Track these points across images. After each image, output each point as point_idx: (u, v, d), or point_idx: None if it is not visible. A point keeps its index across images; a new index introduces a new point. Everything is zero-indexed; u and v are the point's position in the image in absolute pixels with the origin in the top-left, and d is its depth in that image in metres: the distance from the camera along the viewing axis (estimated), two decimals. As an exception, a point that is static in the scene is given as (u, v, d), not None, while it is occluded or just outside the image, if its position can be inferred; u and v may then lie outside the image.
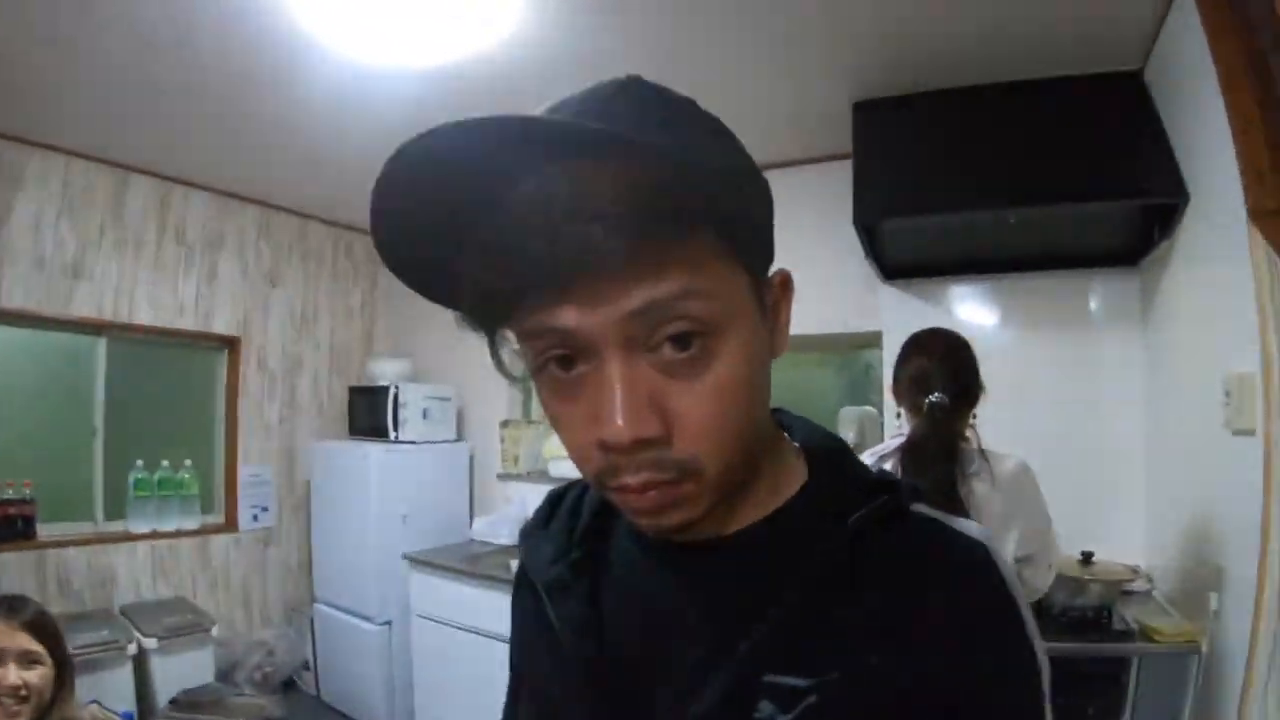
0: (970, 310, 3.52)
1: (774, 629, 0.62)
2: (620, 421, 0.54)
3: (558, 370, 0.59)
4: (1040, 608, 2.65)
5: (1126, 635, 2.51)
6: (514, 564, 3.19)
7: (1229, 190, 2.17)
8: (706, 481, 0.59)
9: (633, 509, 0.61)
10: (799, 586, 0.62)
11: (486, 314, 0.60)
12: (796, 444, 0.74)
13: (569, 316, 0.54)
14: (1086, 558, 2.72)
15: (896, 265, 3.51)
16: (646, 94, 0.61)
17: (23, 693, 1.74)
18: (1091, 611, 2.60)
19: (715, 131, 0.63)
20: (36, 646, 1.79)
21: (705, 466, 0.58)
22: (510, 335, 0.62)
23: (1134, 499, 3.13)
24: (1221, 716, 2.23)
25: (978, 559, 0.65)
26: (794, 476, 0.71)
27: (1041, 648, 0.63)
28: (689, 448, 0.57)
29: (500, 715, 0.91)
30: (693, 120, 0.62)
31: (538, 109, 0.57)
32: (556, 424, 0.63)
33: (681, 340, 0.56)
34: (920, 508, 0.68)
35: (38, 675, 1.78)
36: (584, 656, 0.70)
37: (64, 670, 1.85)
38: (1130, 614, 2.63)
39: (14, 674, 1.74)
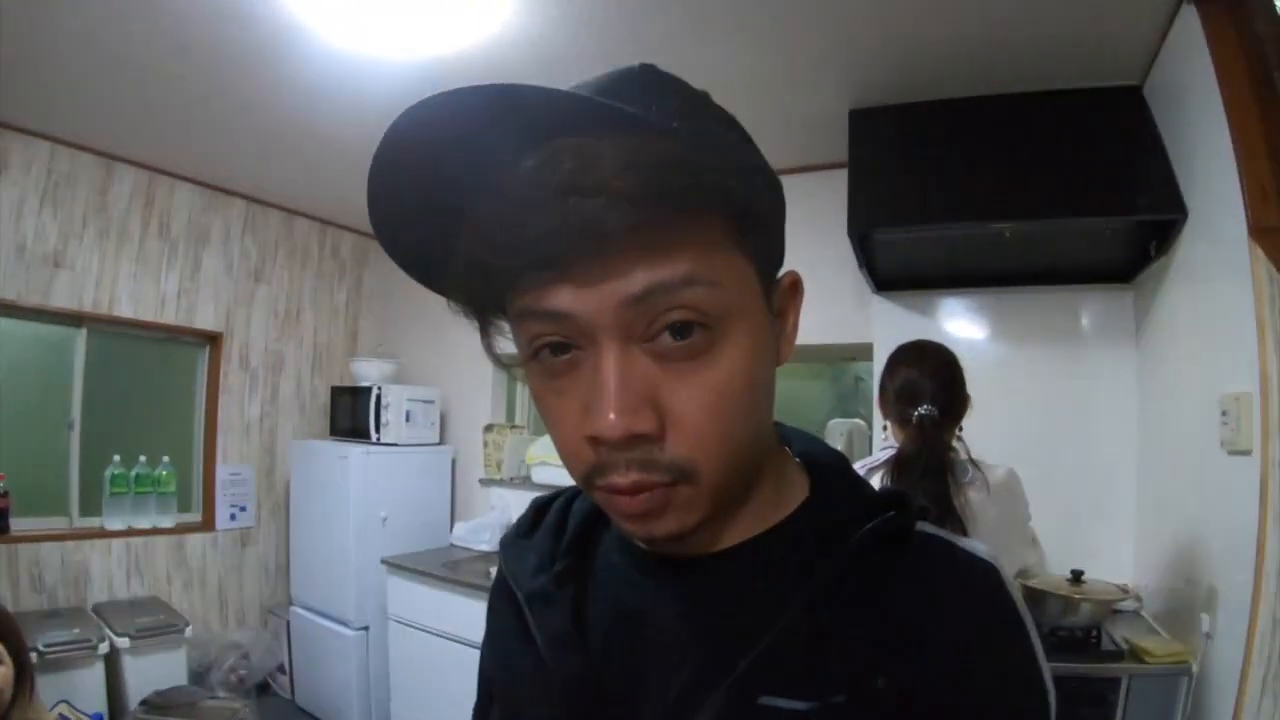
0: (963, 324, 3.51)
1: (773, 648, 0.58)
2: (612, 415, 0.52)
3: (550, 358, 0.56)
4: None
5: (1116, 655, 2.49)
6: (494, 571, 3.16)
7: (1228, 207, 2.17)
8: (701, 488, 0.56)
9: (621, 513, 0.58)
10: (800, 604, 0.59)
11: (480, 295, 0.58)
12: (796, 457, 0.72)
13: (565, 297, 0.52)
14: (1076, 576, 2.69)
15: (889, 277, 3.49)
16: (661, 81, 0.60)
17: None
18: (1081, 631, 2.59)
19: (729, 124, 0.62)
20: None
21: (699, 471, 0.55)
22: (502, 323, 0.59)
23: (1124, 517, 3.11)
24: (1212, 739, 2.22)
25: (987, 581, 0.62)
26: (795, 490, 0.68)
27: (1049, 672, 0.61)
28: (683, 448, 0.54)
29: None
30: (707, 111, 0.61)
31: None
32: (546, 417, 0.60)
33: (681, 330, 0.53)
34: (926, 526, 0.66)
35: None
36: (566, 673, 0.67)
37: (24, 669, 1.82)
38: (1119, 633, 2.62)
39: None
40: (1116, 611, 2.80)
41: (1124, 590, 2.74)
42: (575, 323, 0.53)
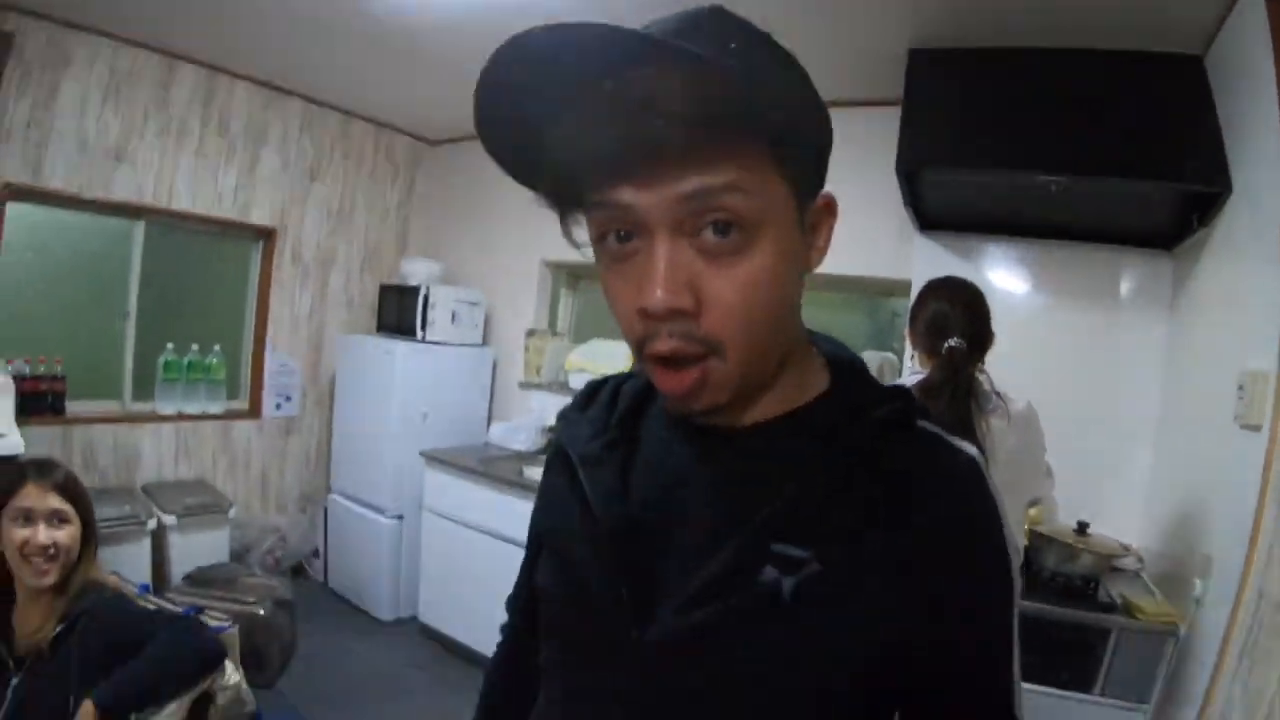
0: (1002, 271, 3.49)
1: (784, 505, 0.72)
2: (659, 292, 0.65)
3: (615, 243, 0.69)
4: (1030, 570, 2.76)
5: (1110, 608, 2.57)
6: (526, 470, 3.29)
7: (1272, 188, 2.18)
8: (729, 363, 0.69)
9: (664, 389, 0.72)
10: (811, 472, 0.73)
11: (562, 190, 0.71)
12: (822, 357, 0.85)
13: (628, 195, 0.65)
14: (1082, 528, 2.78)
15: (934, 217, 3.48)
16: (727, 21, 0.69)
17: (51, 551, 1.82)
18: (1079, 580, 2.68)
19: (786, 64, 0.71)
20: (66, 506, 1.88)
21: (727, 346, 0.68)
22: (579, 215, 0.72)
23: (1137, 479, 3.14)
24: (1189, 699, 2.30)
25: (970, 472, 0.76)
26: (817, 382, 0.82)
27: (1016, 556, 0.76)
28: (715, 325, 0.67)
29: (513, 589, 1.08)
30: (765, 50, 0.70)
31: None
32: (608, 293, 0.73)
33: (722, 229, 0.65)
34: (925, 424, 0.79)
35: (66, 534, 1.86)
36: (611, 522, 0.80)
37: (90, 531, 1.94)
38: (1116, 589, 2.69)
39: (44, 533, 1.82)
40: (1118, 569, 2.87)
41: (1126, 548, 2.81)
42: (635, 215, 0.65)
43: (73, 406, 3.98)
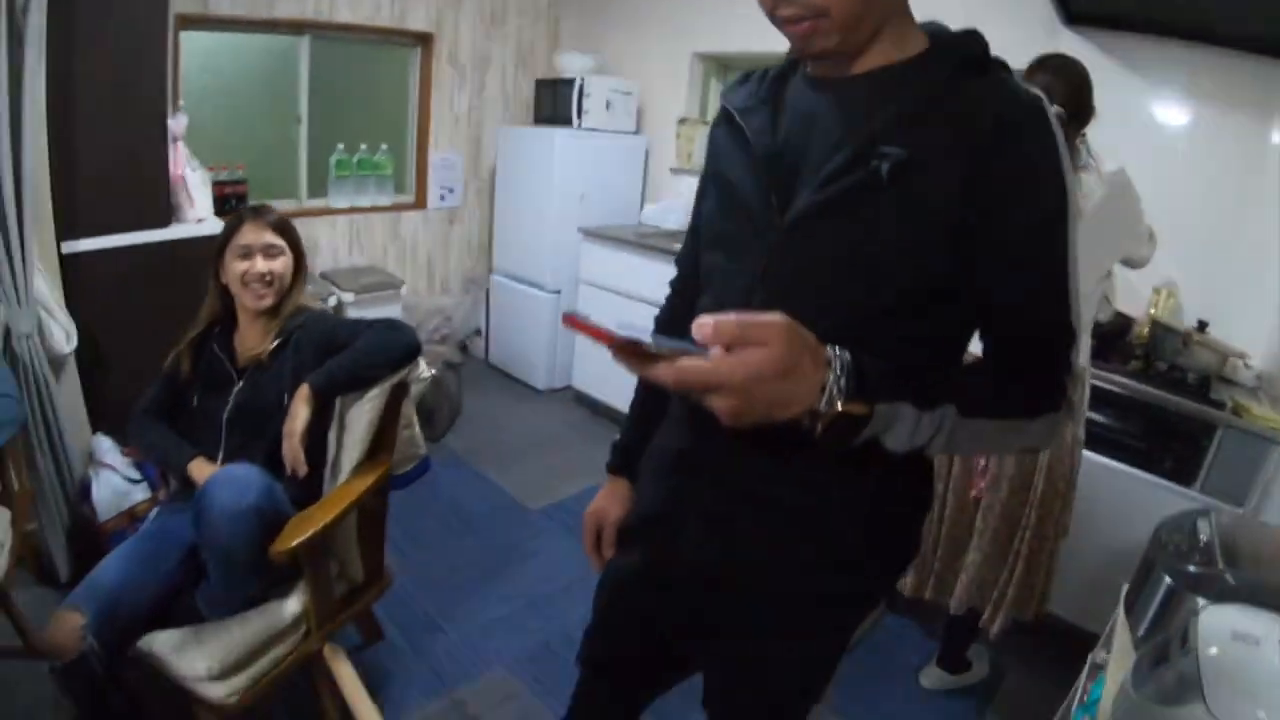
0: (1152, 74, 3.28)
1: (884, 119, 0.97)
2: None
3: None
4: (1146, 360, 2.92)
5: (1219, 405, 2.66)
6: (677, 245, 3.56)
7: None
8: (833, 21, 0.94)
9: (787, 34, 0.99)
10: (909, 98, 0.97)
11: None
12: (927, 36, 1.06)
13: None
14: (1201, 326, 2.88)
15: (1081, 10, 3.31)
16: None
17: (268, 278, 2.14)
18: (1194, 375, 2.80)
19: None
20: (279, 241, 2.18)
21: (829, 10, 0.93)
22: None
23: (1268, 299, 3.05)
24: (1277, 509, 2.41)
25: (1033, 101, 0.96)
26: (918, 46, 1.03)
27: (1071, 179, 0.97)
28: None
29: (680, 249, 1.47)
30: None
31: None
32: None
33: None
34: (1003, 72, 1.00)
35: (281, 264, 2.18)
36: (761, 147, 1.10)
37: (300, 262, 2.27)
38: (1228, 394, 2.77)
39: (261, 263, 2.13)
40: (1233, 382, 2.92)
41: (1243, 354, 2.88)
42: None
43: (255, 205, 4.31)
